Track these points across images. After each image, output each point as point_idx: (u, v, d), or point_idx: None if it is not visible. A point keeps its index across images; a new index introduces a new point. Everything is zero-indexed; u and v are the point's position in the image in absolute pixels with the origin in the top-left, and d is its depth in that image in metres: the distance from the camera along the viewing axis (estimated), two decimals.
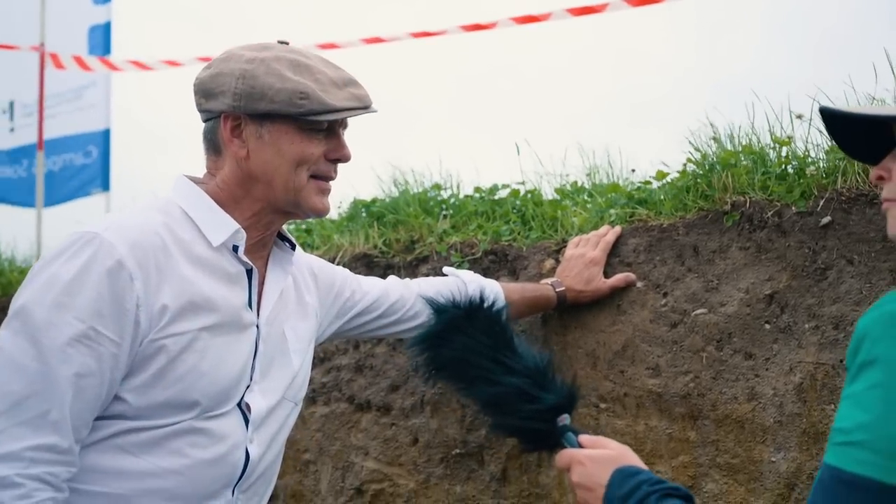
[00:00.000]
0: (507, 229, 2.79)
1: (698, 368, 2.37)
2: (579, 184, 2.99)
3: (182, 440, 1.76)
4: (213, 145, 1.93)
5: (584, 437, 1.56)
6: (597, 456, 1.49)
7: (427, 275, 2.81)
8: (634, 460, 1.48)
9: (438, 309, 1.71)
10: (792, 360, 2.27)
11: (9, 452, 1.60)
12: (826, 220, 2.31)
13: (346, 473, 2.79)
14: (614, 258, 2.57)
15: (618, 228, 2.59)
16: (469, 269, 2.73)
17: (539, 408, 1.55)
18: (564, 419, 1.57)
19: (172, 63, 4.76)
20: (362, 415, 2.81)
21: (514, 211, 2.88)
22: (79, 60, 5.28)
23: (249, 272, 1.89)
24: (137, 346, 1.72)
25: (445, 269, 2.50)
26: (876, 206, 2.30)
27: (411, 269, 2.88)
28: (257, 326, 1.89)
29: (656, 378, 2.42)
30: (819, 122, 2.51)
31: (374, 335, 2.35)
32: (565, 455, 1.54)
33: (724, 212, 2.45)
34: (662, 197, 2.61)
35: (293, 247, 2.03)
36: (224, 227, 1.85)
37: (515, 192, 3.00)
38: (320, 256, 2.41)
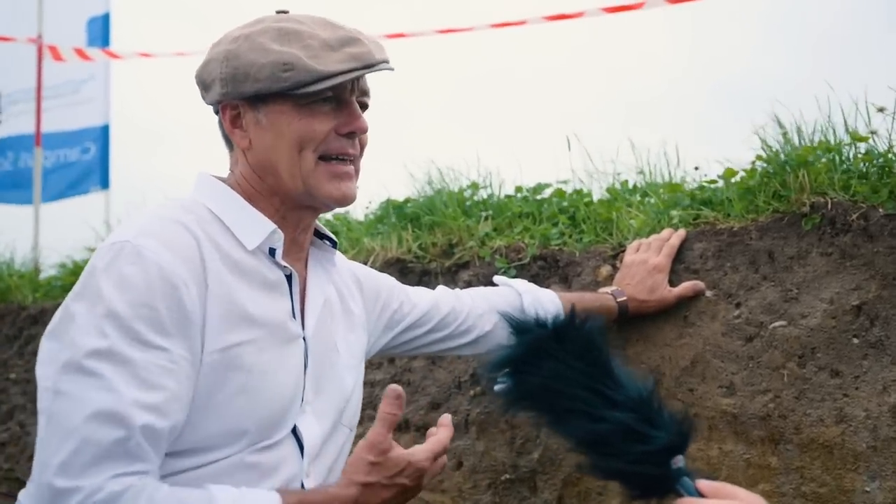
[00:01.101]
0: (556, 232, 2.56)
1: (778, 387, 2.15)
2: (630, 184, 2.76)
3: (231, 478, 1.52)
4: (226, 140, 1.74)
5: (703, 484, 1.32)
6: None
7: (469, 282, 2.59)
8: None
9: (520, 328, 1.47)
10: (885, 379, 2.05)
11: (93, 486, 1.37)
12: None
13: None
14: (679, 265, 2.35)
15: (682, 232, 2.36)
16: (516, 275, 2.51)
17: (650, 449, 1.32)
18: (679, 461, 1.33)
19: (179, 53, 4.52)
20: (400, 435, 2.58)
21: (563, 212, 2.65)
22: (79, 52, 5.03)
23: (289, 278, 1.66)
24: (200, 358, 1.50)
25: (496, 279, 2.27)
26: None
27: (450, 276, 2.66)
28: (304, 339, 1.67)
29: (731, 397, 2.20)
30: None
31: (421, 352, 2.12)
32: None
33: (802, 214, 2.23)
34: (729, 197, 2.39)
35: (334, 245, 1.80)
36: (259, 228, 1.63)
37: (561, 193, 2.77)
38: None
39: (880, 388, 2.05)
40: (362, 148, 1.69)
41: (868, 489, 2.03)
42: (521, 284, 2.21)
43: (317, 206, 1.69)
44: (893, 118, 2.30)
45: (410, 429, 2.58)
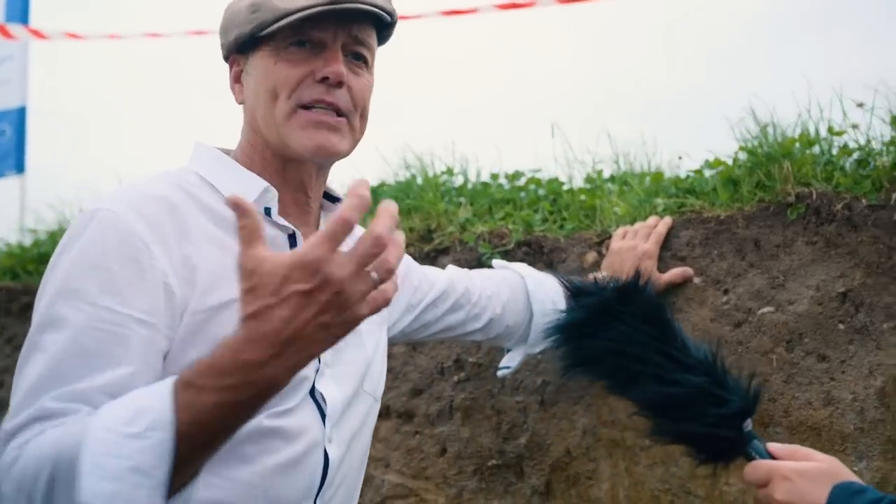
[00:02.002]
0: (539, 218, 2.56)
1: (768, 371, 2.20)
2: (606, 173, 2.78)
3: (251, 445, 1.44)
4: None
5: (774, 446, 1.34)
6: (805, 470, 1.28)
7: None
8: (849, 474, 1.28)
9: (583, 291, 1.45)
10: (871, 363, 2.12)
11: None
12: None
13: (366, 488, 2.51)
14: (665, 252, 2.38)
15: (668, 219, 2.39)
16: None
17: (725, 412, 1.32)
18: (748, 425, 1.35)
19: (112, 36, 4.33)
20: (381, 422, 2.53)
21: (543, 199, 2.65)
22: (1, 29, 4.77)
23: (292, 237, 1.60)
24: (178, 321, 1.41)
25: (495, 263, 2.26)
26: None
27: (429, 261, 2.62)
28: None
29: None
30: (883, 112, 2.38)
31: (437, 336, 2.06)
32: (761, 467, 1.31)
33: (787, 204, 2.29)
34: (714, 187, 2.43)
35: None
36: (250, 188, 1.56)
37: (536, 181, 2.78)
38: None
39: (866, 372, 2.12)
40: (357, 104, 1.61)
41: (856, 469, 2.09)
42: (523, 268, 2.20)
43: (296, 159, 1.61)
44: (871, 113, 2.39)
45: (392, 416, 2.54)
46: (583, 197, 2.59)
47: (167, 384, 1.18)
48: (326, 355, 1.58)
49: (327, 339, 1.16)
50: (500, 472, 2.39)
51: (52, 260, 1.44)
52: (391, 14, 1.62)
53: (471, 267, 2.49)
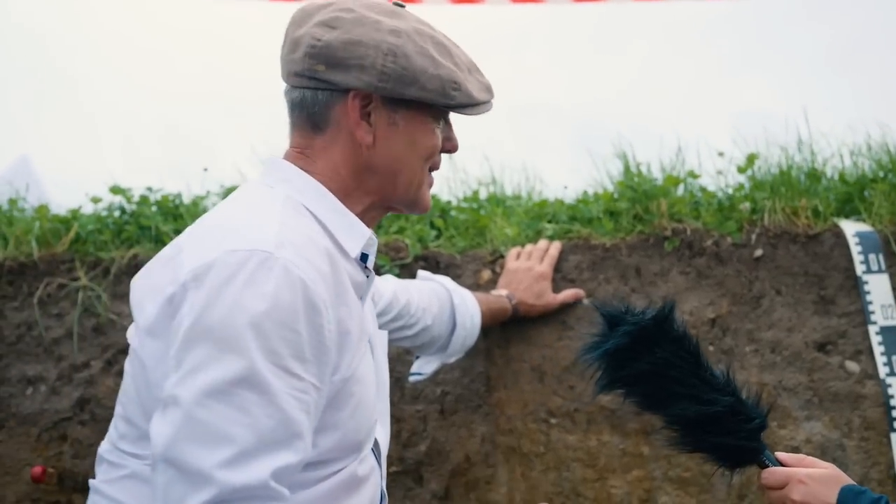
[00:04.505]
0: (433, 234, 2.68)
1: None
2: (482, 194, 2.95)
3: (347, 491, 1.51)
4: (316, 121, 1.58)
5: (783, 455, 1.57)
6: (817, 475, 1.51)
7: None
8: (849, 479, 1.53)
9: (621, 319, 1.59)
10: (738, 381, 2.45)
11: None
12: (759, 252, 2.53)
13: None
14: (556, 274, 2.58)
15: (558, 244, 2.60)
16: (399, 274, 2.58)
17: (752, 427, 1.54)
18: (762, 437, 1.58)
19: None
20: None
21: (433, 215, 2.77)
22: None
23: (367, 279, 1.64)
24: (326, 385, 1.44)
25: (420, 273, 2.34)
26: (799, 243, 2.56)
27: None
28: (369, 342, 1.64)
29: (608, 394, 2.47)
30: (739, 161, 2.75)
31: None
32: (778, 473, 1.53)
33: (664, 237, 2.58)
34: (598, 216, 2.67)
35: None
36: (357, 233, 1.57)
37: None
38: None
39: None
40: None
41: (725, 472, 2.40)
42: (447, 282, 2.31)
43: (400, 210, 1.70)
44: (730, 162, 2.75)
45: None
46: (465, 216, 2.73)
47: None
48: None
49: None
50: (399, 478, 2.47)
51: (217, 291, 1.34)
52: None
53: None
